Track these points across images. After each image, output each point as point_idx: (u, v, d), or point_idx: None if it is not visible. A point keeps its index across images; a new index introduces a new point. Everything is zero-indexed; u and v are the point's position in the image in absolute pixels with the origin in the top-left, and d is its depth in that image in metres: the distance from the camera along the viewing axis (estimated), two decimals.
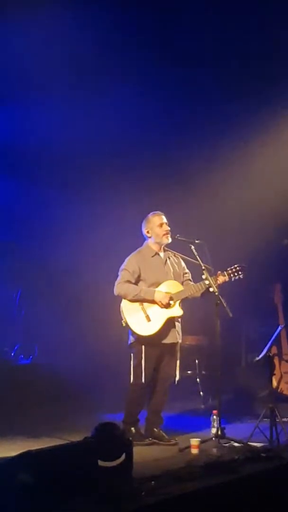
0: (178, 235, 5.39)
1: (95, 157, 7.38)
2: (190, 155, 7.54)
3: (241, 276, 5.30)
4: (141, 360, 5.23)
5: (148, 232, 5.48)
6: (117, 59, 6.80)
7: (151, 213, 5.52)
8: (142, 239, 5.56)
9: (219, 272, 5.27)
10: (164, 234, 5.41)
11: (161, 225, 5.43)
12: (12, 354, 7.06)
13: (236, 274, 5.30)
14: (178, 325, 5.39)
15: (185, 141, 7.58)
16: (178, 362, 5.41)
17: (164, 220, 5.46)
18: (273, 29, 6.63)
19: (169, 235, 5.41)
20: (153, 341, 5.24)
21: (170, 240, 5.43)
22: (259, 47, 6.85)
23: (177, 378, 5.41)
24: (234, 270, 5.31)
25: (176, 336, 5.35)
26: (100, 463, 3.63)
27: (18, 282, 7.42)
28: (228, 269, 5.31)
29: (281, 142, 7.55)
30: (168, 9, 6.48)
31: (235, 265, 5.32)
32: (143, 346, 5.25)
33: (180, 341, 5.41)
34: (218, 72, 7.06)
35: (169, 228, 5.43)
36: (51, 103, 7.00)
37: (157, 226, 5.43)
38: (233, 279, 5.31)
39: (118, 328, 5.38)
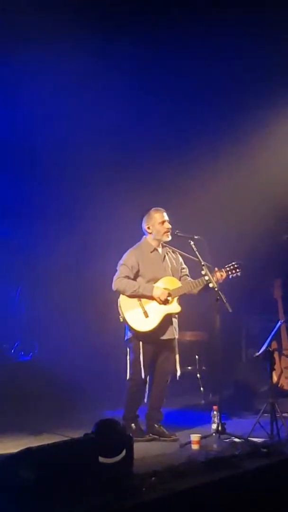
0: (177, 231, 5.39)
1: (95, 153, 7.35)
2: (189, 150, 7.52)
3: (238, 273, 5.29)
4: (139, 355, 5.24)
5: (149, 228, 5.47)
6: (115, 55, 6.79)
7: (153, 209, 5.50)
8: (141, 234, 5.54)
9: (216, 269, 5.26)
10: (165, 232, 5.40)
11: (162, 222, 5.41)
12: (12, 351, 7.04)
13: (234, 271, 5.29)
14: (175, 321, 5.40)
15: (184, 136, 7.57)
16: (177, 357, 5.41)
17: (166, 217, 5.44)
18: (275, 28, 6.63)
19: (169, 233, 5.40)
20: (151, 337, 5.24)
21: (170, 238, 5.42)
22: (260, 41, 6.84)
23: (178, 373, 5.41)
24: (232, 267, 5.29)
25: (173, 332, 5.35)
26: (101, 459, 3.64)
27: (18, 279, 7.41)
28: (226, 266, 5.30)
29: (281, 137, 7.53)
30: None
31: (233, 263, 5.31)
32: (140, 342, 5.25)
33: (177, 336, 5.41)
34: (217, 67, 7.05)
35: (170, 226, 5.41)
36: (51, 101, 6.99)
37: (158, 223, 5.42)
38: (230, 276, 5.29)
39: (118, 324, 5.38)
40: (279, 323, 5.89)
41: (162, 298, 5.22)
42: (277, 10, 6.52)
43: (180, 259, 5.56)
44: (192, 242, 5.27)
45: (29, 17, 6.14)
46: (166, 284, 5.32)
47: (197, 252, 5.24)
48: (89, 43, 6.53)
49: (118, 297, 5.32)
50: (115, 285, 5.30)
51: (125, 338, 5.38)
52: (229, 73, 7.15)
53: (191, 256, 5.34)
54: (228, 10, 6.50)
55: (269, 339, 5.49)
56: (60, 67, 6.67)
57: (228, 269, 5.29)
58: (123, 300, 5.29)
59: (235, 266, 5.30)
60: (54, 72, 6.72)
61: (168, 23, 6.70)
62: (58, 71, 6.70)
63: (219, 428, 5.07)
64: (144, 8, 6.49)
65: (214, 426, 5.14)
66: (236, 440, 4.97)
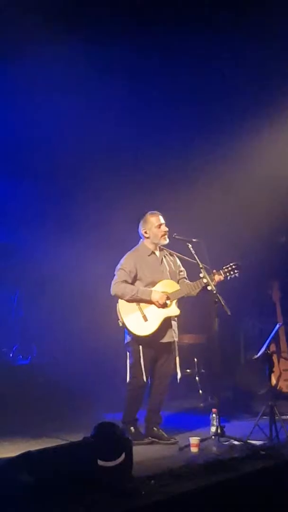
0: (175, 234, 5.39)
1: (93, 158, 7.37)
2: (185, 153, 7.53)
3: (237, 274, 5.29)
4: (139, 359, 5.23)
5: (145, 232, 5.46)
6: (112, 58, 6.81)
7: (148, 213, 5.50)
8: (138, 238, 5.55)
9: (214, 271, 5.26)
10: (162, 235, 5.40)
11: (159, 225, 5.41)
12: (11, 354, 7.04)
13: (232, 272, 5.29)
14: (174, 324, 5.39)
15: (180, 139, 7.58)
16: (178, 359, 5.41)
17: (162, 220, 5.44)
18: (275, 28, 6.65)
19: (166, 236, 5.41)
20: (150, 341, 5.24)
21: (167, 241, 5.42)
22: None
23: (179, 376, 5.41)
24: (230, 268, 5.29)
25: (172, 335, 5.35)
26: (100, 462, 3.63)
27: (17, 283, 7.41)
28: (224, 267, 5.30)
29: (278, 141, 7.54)
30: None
31: (231, 264, 5.31)
32: (140, 346, 5.25)
33: (176, 339, 5.40)
34: (212, 69, 7.07)
35: (167, 229, 5.42)
36: (48, 101, 6.99)
37: (155, 227, 5.42)
38: (229, 277, 5.30)
39: (116, 327, 5.37)
40: (277, 325, 5.89)
41: (161, 302, 5.22)
42: (271, 17, 6.54)
43: (178, 261, 5.56)
44: (190, 245, 5.27)
45: (23, 20, 6.15)
46: (164, 287, 5.32)
47: (195, 255, 5.24)
48: (88, 45, 6.54)
49: (117, 301, 5.32)
50: (113, 290, 5.29)
51: (125, 342, 5.38)
52: (226, 76, 7.17)
53: (189, 259, 5.35)
54: (222, 16, 6.51)
55: (267, 341, 5.50)
56: (58, 68, 6.68)
57: (226, 270, 5.29)
58: (122, 305, 5.28)
59: (234, 266, 5.30)
60: (53, 73, 6.72)
61: (163, 29, 6.70)
62: (57, 71, 6.71)
63: (218, 430, 5.06)
64: (139, 12, 6.50)
65: (213, 429, 5.13)
66: (235, 442, 4.97)
